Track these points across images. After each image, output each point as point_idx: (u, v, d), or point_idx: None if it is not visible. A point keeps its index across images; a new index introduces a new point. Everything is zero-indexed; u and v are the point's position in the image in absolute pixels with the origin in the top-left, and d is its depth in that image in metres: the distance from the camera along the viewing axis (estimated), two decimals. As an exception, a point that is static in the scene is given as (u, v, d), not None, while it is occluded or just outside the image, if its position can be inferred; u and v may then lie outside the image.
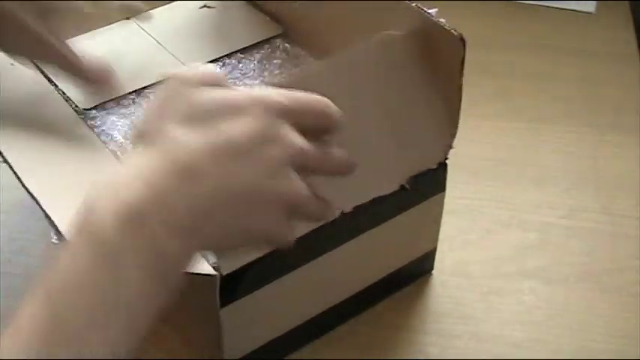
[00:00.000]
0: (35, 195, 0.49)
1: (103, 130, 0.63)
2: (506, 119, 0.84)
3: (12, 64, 0.65)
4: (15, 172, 0.51)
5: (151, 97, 0.54)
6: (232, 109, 0.41)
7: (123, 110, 0.64)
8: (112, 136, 0.62)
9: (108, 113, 0.64)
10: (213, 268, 0.51)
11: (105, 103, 0.65)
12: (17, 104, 0.61)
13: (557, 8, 0.98)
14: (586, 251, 0.71)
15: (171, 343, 0.61)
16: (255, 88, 0.45)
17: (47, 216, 0.48)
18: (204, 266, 0.51)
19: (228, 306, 0.52)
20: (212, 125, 0.40)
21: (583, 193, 0.76)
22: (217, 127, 0.40)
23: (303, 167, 0.42)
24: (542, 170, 0.78)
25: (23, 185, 0.50)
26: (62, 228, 0.47)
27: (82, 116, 0.63)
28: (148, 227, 0.38)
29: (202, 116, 0.40)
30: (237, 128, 0.40)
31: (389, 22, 0.59)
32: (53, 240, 0.47)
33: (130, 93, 0.66)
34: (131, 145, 0.43)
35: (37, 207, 0.71)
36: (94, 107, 0.64)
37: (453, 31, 0.54)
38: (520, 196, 0.76)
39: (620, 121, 0.84)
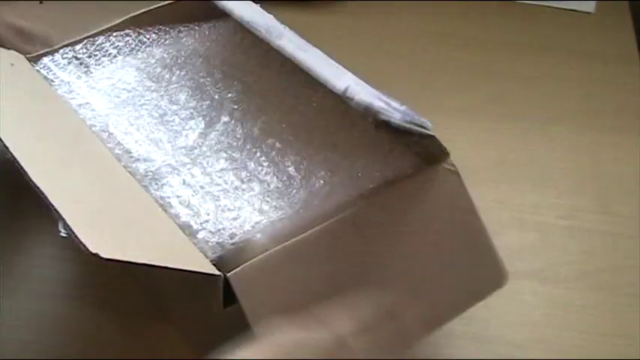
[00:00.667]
0: (42, 189, 0.49)
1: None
2: (505, 120, 0.84)
3: (12, 65, 0.65)
4: (22, 167, 0.51)
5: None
6: None
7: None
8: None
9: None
10: (216, 267, 0.51)
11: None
12: (19, 103, 0.61)
13: (556, 8, 0.98)
14: (585, 251, 0.71)
15: (172, 343, 0.61)
16: None
17: (55, 210, 0.48)
18: (207, 266, 0.51)
19: (232, 306, 0.52)
20: None
21: (582, 193, 0.76)
22: None
23: None
24: (542, 171, 0.78)
25: (30, 180, 0.50)
26: (70, 221, 0.47)
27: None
28: None
29: None
30: None
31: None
32: (62, 233, 0.47)
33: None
34: None
35: (37, 207, 0.71)
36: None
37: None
38: (520, 196, 0.76)
39: (620, 121, 0.84)
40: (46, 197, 0.48)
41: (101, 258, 0.44)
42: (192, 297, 0.55)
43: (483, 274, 0.59)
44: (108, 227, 0.50)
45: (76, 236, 0.45)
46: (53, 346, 0.63)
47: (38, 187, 0.49)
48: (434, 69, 0.90)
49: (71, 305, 0.66)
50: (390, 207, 0.57)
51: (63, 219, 0.47)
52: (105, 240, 0.46)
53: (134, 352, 0.62)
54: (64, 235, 0.47)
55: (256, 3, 0.69)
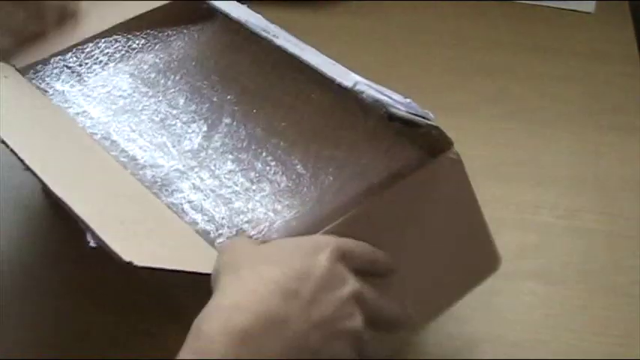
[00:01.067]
0: (67, 201, 0.49)
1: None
2: (505, 120, 0.84)
3: (6, 77, 0.65)
4: (42, 180, 0.51)
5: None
6: (308, 250, 0.49)
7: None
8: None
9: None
10: None
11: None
12: (23, 115, 0.61)
13: (556, 8, 0.98)
14: (585, 251, 0.71)
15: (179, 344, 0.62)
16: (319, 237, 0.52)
17: (82, 222, 0.48)
18: None
19: None
20: (297, 261, 0.48)
21: (583, 193, 0.76)
22: (302, 262, 0.48)
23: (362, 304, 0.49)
24: (542, 170, 0.78)
25: (52, 192, 0.50)
26: (99, 232, 0.47)
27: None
28: (256, 344, 0.44)
29: (284, 255, 0.49)
30: (317, 264, 0.48)
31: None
32: (91, 244, 0.47)
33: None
34: (218, 274, 0.49)
35: (37, 207, 0.71)
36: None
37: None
38: (520, 196, 0.76)
39: (620, 121, 0.84)
40: (71, 210, 0.48)
41: (135, 266, 0.44)
42: (202, 298, 0.55)
43: (479, 260, 0.62)
44: (134, 235, 0.50)
45: (107, 247, 0.45)
46: (60, 346, 0.63)
47: (62, 200, 0.49)
48: (434, 68, 0.91)
49: (81, 306, 0.66)
50: (399, 200, 0.57)
51: (91, 230, 0.47)
52: (135, 248, 0.46)
53: (146, 353, 0.62)
54: (94, 245, 0.47)
55: (243, 3, 0.69)
